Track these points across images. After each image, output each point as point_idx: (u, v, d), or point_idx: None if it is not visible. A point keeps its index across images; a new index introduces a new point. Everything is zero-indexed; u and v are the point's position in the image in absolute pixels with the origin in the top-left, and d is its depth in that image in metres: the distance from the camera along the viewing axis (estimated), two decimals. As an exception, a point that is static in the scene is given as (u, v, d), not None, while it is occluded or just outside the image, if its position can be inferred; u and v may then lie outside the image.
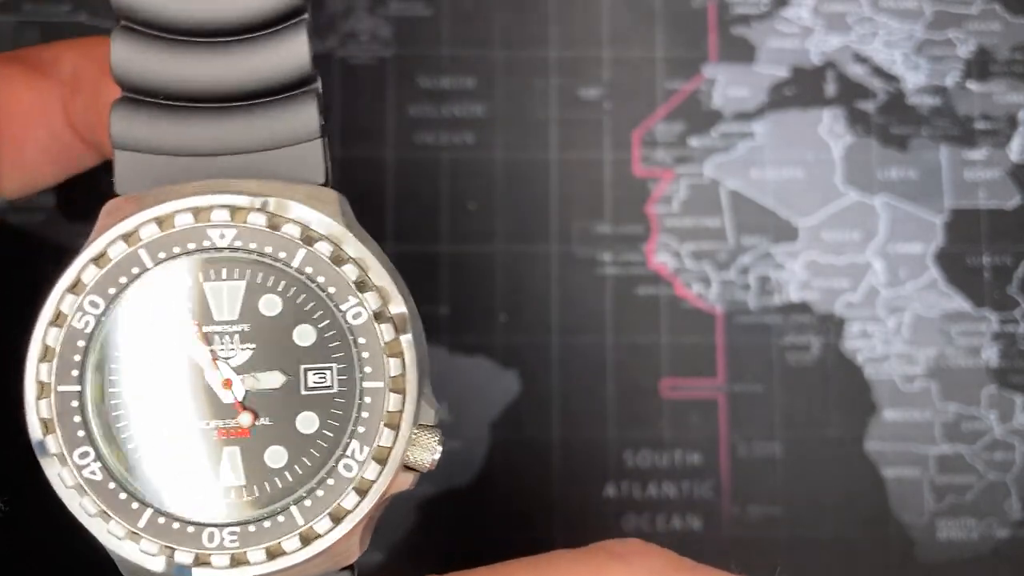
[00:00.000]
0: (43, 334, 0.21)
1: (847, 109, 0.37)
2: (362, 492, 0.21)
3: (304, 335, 0.22)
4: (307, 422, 0.22)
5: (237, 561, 0.21)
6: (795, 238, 0.36)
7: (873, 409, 0.36)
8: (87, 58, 0.27)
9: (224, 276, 0.22)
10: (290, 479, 0.22)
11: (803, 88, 0.37)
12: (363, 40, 0.37)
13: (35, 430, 0.21)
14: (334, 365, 0.22)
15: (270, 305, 0.22)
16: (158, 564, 0.21)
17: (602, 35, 0.37)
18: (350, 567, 0.22)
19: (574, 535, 0.35)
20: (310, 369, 0.22)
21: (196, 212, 0.22)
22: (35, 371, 0.21)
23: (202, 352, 0.22)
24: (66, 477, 0.21)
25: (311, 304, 0.22)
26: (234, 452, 0.22)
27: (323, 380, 0.22)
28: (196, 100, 0.22)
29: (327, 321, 0.22)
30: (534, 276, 0.36)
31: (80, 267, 0.22)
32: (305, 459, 0.22)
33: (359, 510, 0.21)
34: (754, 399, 0.36)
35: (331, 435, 0.22)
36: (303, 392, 0.22)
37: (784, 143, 0.37)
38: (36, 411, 0.21)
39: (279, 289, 0.22)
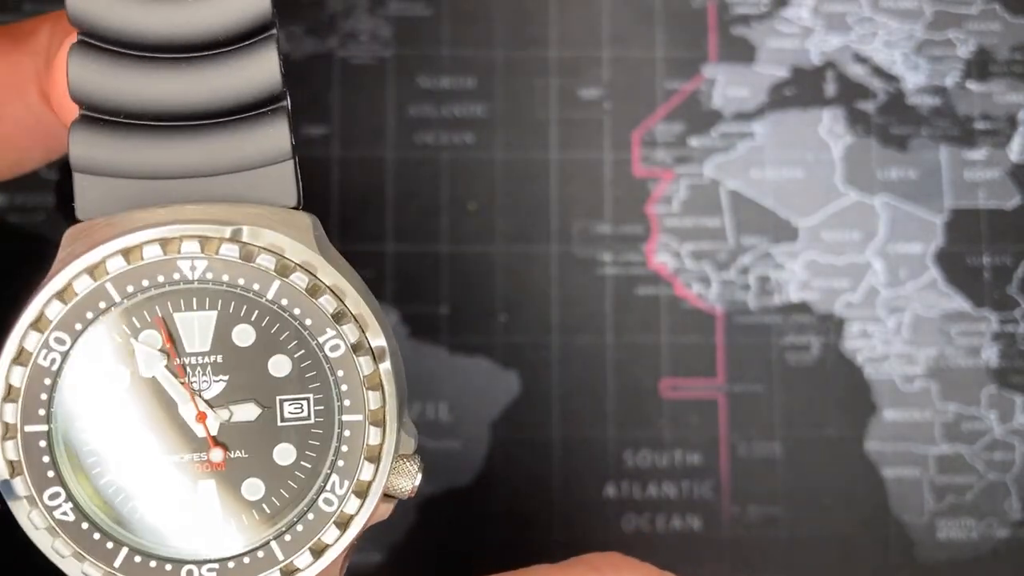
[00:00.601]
0: (6, 373, 0.21)
1: (847, 109, 0.37)
2: (342, 526, 0.21)
3: (279, 366, 0.21)
4: (284, 454, 0.21)
5: None
6: (795, 238, 0.36)
7: (873, 409, 0.36)
8: (59, 28, 0.25)
9: (195, 306, 0.21)
10: (268, 511, 0.21)
11: (803, 88, 0.37)
12: (363, 40, 0.37)
13: (1, 472, 0.21)
14: (310, 396, 0.21)
15: (243, 335, 0.21)
16: None
17: (602, 35, 0.37)
18: None
19: (574, 535, 0.35)
20: (286, 400, 0.21)
21: (164, 243, 0.21)
22: None
23: (175, 385, 0.21)
24: (36, 520, 0.21)
25: (286, 334, 0.21)
26: (209, 485, 0.21)
27: (299, 411, 0.21)
28: (160, 119, 0.21)
29: (302, 351, 0.21)
30: (534, 276, 0.36)
31: (43, 302, 0.21)
32: (283, 491, 0.21)
33: (339, 544, 0.21)
34: (754, 399, 0.36)
35: (309, 466, 0.21)
36: (279, 423, 0.21)
37: (784, 143, 0.37)
38: (2, 453, 0.21)
39: (252, 319, 0.21)
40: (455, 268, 0.36)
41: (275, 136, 0.21)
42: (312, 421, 0.21)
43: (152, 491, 0.21)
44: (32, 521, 0.21)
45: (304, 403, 0.21)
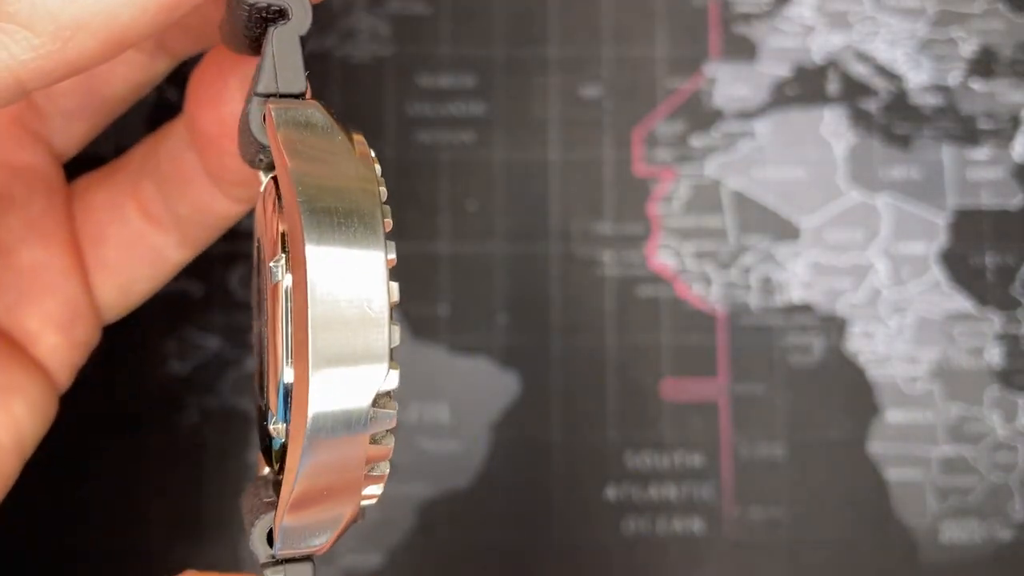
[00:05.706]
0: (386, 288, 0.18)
1: (849, 108, 0.37)
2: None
3: None
4: None
5: None
6: (797, 238, 0.36)
7: (875, 410, 0.36)
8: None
9: None
10: None
11: (805, 87, 0.37)
12: (362, 39, 0.36)
13: (383, 350, 0.18)
14: None
15: None
16: None
17: (602, 34, 0.37)
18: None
19: (574, 536, 0.35)
20: None
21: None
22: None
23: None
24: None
25: None
26: None
27: None
28: None
29: None
30: (534, 276, 0.36)
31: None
32: None
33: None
34: (756, 400, 0.36)
35: None
36: None
37: (786, 142, 0.37)
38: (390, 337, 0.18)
39: None
40: (455, 268, 0.36)
41: None
42: None
43: None
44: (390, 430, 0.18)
45: None
